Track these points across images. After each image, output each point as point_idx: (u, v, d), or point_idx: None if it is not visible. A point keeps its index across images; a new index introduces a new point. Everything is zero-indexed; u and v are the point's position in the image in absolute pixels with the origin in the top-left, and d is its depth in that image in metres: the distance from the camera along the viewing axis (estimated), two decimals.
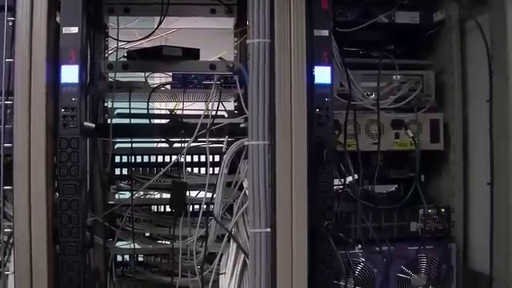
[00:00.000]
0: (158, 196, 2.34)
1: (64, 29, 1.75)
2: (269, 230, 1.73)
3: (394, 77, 2.23)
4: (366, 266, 2.06)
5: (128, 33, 2.29)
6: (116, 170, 2.34)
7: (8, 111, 1.79)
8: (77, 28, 1.75)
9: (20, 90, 1.70)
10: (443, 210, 2.21)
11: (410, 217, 2.16)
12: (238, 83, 2.03)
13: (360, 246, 2.03)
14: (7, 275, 1.84)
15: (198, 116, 2.03)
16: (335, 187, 1.93)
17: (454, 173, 2.24)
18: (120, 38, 2.13)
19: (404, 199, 2.14)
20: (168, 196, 2.07)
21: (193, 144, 2.01)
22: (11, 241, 1.76)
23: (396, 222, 2.14)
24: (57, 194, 1.77)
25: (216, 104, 2.02)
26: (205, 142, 1.97)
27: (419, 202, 2.16)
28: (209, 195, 1.91)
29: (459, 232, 2.21)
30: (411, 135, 2.17)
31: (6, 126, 1.77)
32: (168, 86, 2.24)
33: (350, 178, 2.01)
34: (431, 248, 2.14)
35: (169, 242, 2.16)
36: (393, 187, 2.42)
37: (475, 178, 2.19)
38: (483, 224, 2.04)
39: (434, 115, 2.25)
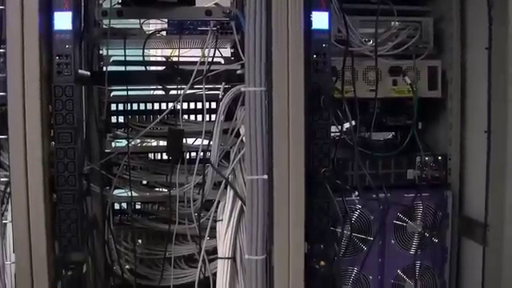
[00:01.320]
0: (154, 143, 2.33)
1: None
2: (266, 176, 1.73)
3: (392, 23, 2.20)
4: (362, 212, 2.07)
5: None
6: (112, 118, 2.33)
7: (1, 60, 1.76)
8: None
9: (12, 38, 1.66)
10: (440, 158, 2.21)
11: (406, 164, 2.17)
12: (234, 29, 1.99)
13: (357, 193, 2.04)
14: (5, 224, 1.86)
15: (195, 63, 2.00)
16: (332, 134, 1.93)
17: (452, 120, 2.23)
18: None
19: (401, 146, 2.15)
20: (165, 143, 2.07)
21: (189, 91, 1.98)
22: (8, 190, 1.76)
23: (393, 170, 2.15)
24: (53, 143, 1.77)
25: (212, 50, 1.99)
26: (201, 88, 1.95)
27: (416, 150, 2.16)
28: (205, 142, 1.90)
29: (455, 180, 2.22)
30: (409, 82, 2.16)
31: (0, 75, 1.75)
32: (163, 33, 2.20)
33: (347, 125, 2.00)
34: (427, 195, 2.15)
35: (166, 190, 2.17)
36: (390, 134, 2.42)
37: (472, 125, 2.18)
38: (479, 172, 2.05)
39: (432, 62, 2.24)
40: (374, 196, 2.07)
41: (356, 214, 2.08)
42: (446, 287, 2.22)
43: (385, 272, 2.13)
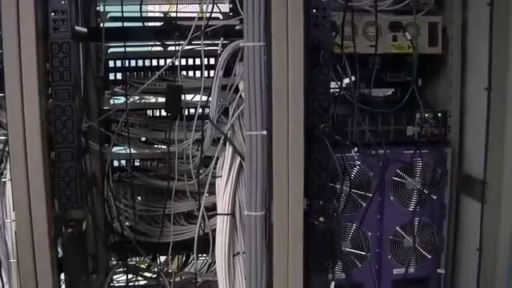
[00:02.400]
0: (153, 100, 2.33)
1: None
2: (265, 132, 1.73)
3: None
4: (361, 169, 2.07)
5: None
6: (110, 74, 2.32)
7: None
8: None
9: None
10: (440, 115, 2.19)
11: (406, 121, 2.15)
12: None
13: (356, 149, 2.03)
14: (4, 182, 1.86)
15: (193, 18, 1.97)
16: (332, 90, 1.91)
17: (452, 77, 2.22)
18: None
19: (401, 103, 2.13)
20: (163, 100, 2.05)
21: (187, 47, 1.96)
22: (7, 149, 1.76)
23: (392, 126, 2.14)
24: (50, 101, 1.75)
25: (210, 5, 1.96)
26: (199, 44, 1.93)
27: (416, 106, 2.15)
28: (204, 98, 1.89)
29: (455, 136, 2.21)
30: (409, 38, 2.13)
31: None
32: None
33: (346, 81, 1.98)
34: (427, 152, 2.14)
35: (165, 146, 2.17)
36: (390, 91, 2.41)
37: (473, 82, 2.16)
38: (479, 129, 2.04)
39: (432, 18, 2.20)
40: (374, 152, 2.06)
41: (355, 170, 2.07)
42: (444, 244, 2.23)
43: (383, 228, 2.14)
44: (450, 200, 2.22)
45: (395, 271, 2.18)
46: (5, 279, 1.94)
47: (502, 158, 1.95)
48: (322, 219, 1.87)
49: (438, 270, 2.22)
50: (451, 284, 2.27)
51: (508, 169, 1.94)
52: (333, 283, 2.02)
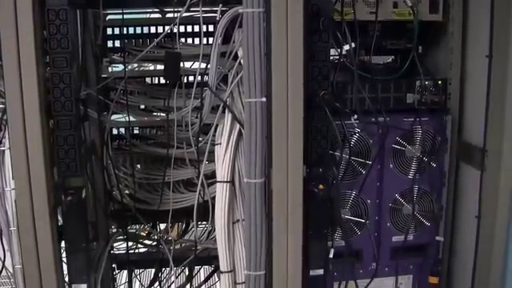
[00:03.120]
0: (151, 68, 2.31)
1: None
2: (264, 99, 1.72)
3: None
4: (361, 136, 2.07)
5: None
6: (108, 42, 2.29)
7: None
8: None
9: None
10: (440, 82, 2.18)
11: (406, 88, 2.14)
12: None
13: (356, 117, 2.03)
14: (3, 151, 1.86)
15: None
16: (332, 57, 1.90)
17: (453, 45, 2.20)
18: None
19: (401, 70, 2.12)
20: (162, 67, 2.04)
21: (186, 13, 1.94)
22: (5, 117, 1.75)
23: (392, 93, 2.12)
24: (48, 69, 1.74)
25: None
26: (198, 10, 1.90)
27: (416, 74, 2.14)
28: (203, 66, 1.88)
29: (455, 104, 2.21)
30: (410, 5, 2.11)
31: None
32: None
33: (346, 48, 1.96)
34: (427, 120, 2.14)
35: (164, 114, 2.16)
36: (390, 58, 2.39)
37: (474, 50, 2.15)
38: (479, 97, 2.03)
39: None
40: (373, 120, 2.06)
41: (355, 137, 2.07)
42: (443, 211, 2.23)
43: (383, 196, 2.15)
44: (450, 168, 2.22)
45: (394, 238, 2.19)
46: (6, 247, 1.95)
47: (502, 126, 1.94)
48: (321, 187, 1.87)
49: (437, 238, 2.23)
50: (450, 251, 2.28)
51: (508, 137, 1.94)
52: (332, 250, 2.04)
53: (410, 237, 2.20)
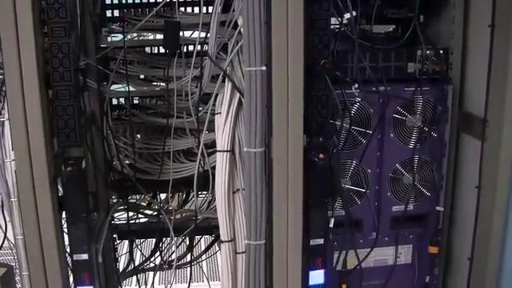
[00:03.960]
0: (151, 37, 2.29)
1: None
2: (264, 68, 1.72)
3: None
4: (362, 105, 2.06)
5: None
6: (107, 11, 2.28)
7: None
8: None
9: None
10: (441, 52, 2.16)
11: (407, 57, 2.12)
12: None
13: (356, 86, 2.01)
14: (3, 122, 1.85)
15: None
16: (332, 26, 1.88)
17: (455, 14, 2.17)
18: None
19: (402, 39, 2.10)
20: (161, 37, 2.02)
21: None
22: (4, 88, 1.74)
23: (393, 63, 2.10)
24: (47, 39, 1.73)
25: None
26: None
27: (417, 43, 2.11)
28: (203, 35, 1.86)
29: (456, 74, 2.19)
30: None
31: None
32: None
33: (347, 16, 1.95)
34: (428, 89, 2.12)
35: (163, 84, 2.15)
36: (391, 27, 2.37)
37: (476, 19, 2.12)
38: (481, 67, 2.01)
39: None
40: (374, 89, 2.04)
41: (355, 106, 2.05)
42: (443, 181, 2.23)
43: (383, 165, 2.14)
44: (450, 138, 2.21)
45: (394, 208, 2.20)
46: (7, 218, 1.96)
47: (503, 97, 1.93)
48: (321, 156, 1.87)
49: (437, 208, 2.23)
50: (450, 221, 2.29)
51: (509, 107, 1.92)
52: (332, 220, 2.04)
53: (410, 206, 2.20)
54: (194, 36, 2.05)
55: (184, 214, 2.36)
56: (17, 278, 2.45)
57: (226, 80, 1.87)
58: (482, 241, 2.07)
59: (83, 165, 1.89)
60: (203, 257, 2.60)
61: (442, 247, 2.30)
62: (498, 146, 1.96)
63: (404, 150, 2.15)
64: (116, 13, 2.29)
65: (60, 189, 1.88)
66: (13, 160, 1.82)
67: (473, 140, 2.12)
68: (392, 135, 2.12)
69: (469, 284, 2.14)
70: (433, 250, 2.26)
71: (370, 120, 2.08)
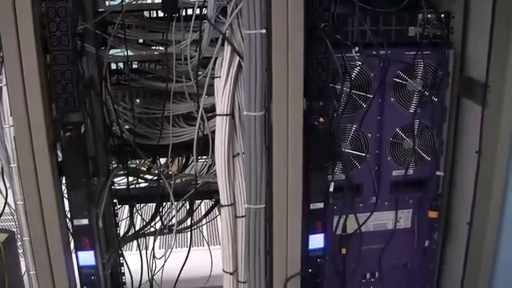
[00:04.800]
0: (149, 1, 2.27)
1: None
2: (264, 31, 1.70)
3: None
4: (362, 69, 2.04)
5: None
6: None
7: None
8: None
9: None
10: (443, 16, 2.13)
11: (408, 21, 2.09)
12: None
13: (357, 49, 2.00)
14: (1, 87, 1.85)
15: None
16: None
17: None
18: None
19: (403, 3, 2.07)
20: (160, 0, 2.00)
21: None
22: (1, 54, 1.73)
23: (394, 26, 2.08)
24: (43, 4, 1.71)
25: None
26: None
27: (418, 7, 2.09)
28: None
29: (458, 38, 2.17)
30: None
31: None
32: None
33: None
34: (428, 54, 2.10)
35: (162, 48, 2.14)
36: None
37: None
38: (482, 31, 1.99)
39: None
40: (375, 53, 2.03)
41: (356, 70, 2.04)
42: (443, 146, 2.23)
43: (383, 130, 2.13)
44: (451, 103, 2.20)
45: (394, 173, 2.20)
46: (7, 184, 1.96)
47: (505, 61, 1.91)
48: (321, 120, 1.87)
49: (437, 173, 2.23)
50: (449, 186, 2.29)
51: (510, 72, 1.91)
52: (332, 184, 2.04)
53: (410, 171, 2.20)
54: None
55: (184, 179, 2.36)
56: (18, 244, 2.48)
57: (226, 43, 1.85)
58: (481, 206, 2.07)
59: (82, 130, 1.88)
60: (203, 221, 2.62)
61: (442, 212, 2.31)
62: (499, 111, 1.95)
63: (404, 115, 2.14)
64: None
65: (60, 154, 1.88)
66: (11, 126, 1.82)
67: (473, 105, 2.11)
68: (392, 99, 2.11)
69: (467, 248, 2.15)
70: (432, 214, 2.27)
71: (371, 84, 2.06)
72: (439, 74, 2.14)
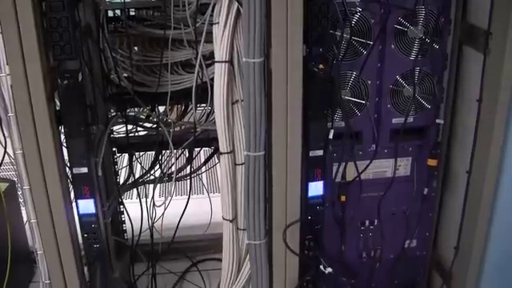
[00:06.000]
0: None
1: None
2: None
3: None
4: (362, 15, 2.01)
5: None
6: None
7: None
8: None
9: None
10: None
11: None
12: None
13: None
14: None
15: None
16: None
17: None
18: None
19: None
20: None
21: None
22: None
23: None
24: None
25: None
26: None
27: None
28: None
29: None
30: None
31: None
32: None
33: None
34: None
35: None
36: None
37: None
38: None
39: None
40: None
41: (356, 16, 2.01)
42: (444, 94, 2.21)
43: (384, 77, 2.11)
44: (452, 50, 2.17)
45: (394, 120, 2.18)
46: (6, 133, 1.95)
47: (508, 8, 1.87)
48: (321, 66, 1.85)
49: (437, 120, 2.22)
50: (449, 134, 2.29)
51: None
52: (332, 131, 2.04)
53: (410, 119, 2.19)
54: None
55: (183, 127, 2.36)
56: (19, 193, 2.49)
57: None
58: (481, 154, 2.07)
59: (80, 78, 1.86)
60: (203, 169, 2.63)
61: (441, 160, 2.31)
62: (501, 59, 1.92)
63: (405, 62, 2.11)
64: None
65: (58, 103, 1.87)
66: (8, 74, 1.80)
67: (475, 53, 2.08)
68: (393, 46, 2.08)
69: (466, 197, 2.16)
70: (432, 162, 2.27)
71: (371, 30, 2.03)
72: (441, 20, 2.10)
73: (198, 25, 1.95)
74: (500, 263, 2.22)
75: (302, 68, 1.80)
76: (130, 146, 2.30)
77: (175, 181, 2.36)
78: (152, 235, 2.40)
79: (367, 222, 2.36)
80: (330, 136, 2.04)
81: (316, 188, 2.03)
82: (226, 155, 1.95)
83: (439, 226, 2.46)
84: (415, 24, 2.08)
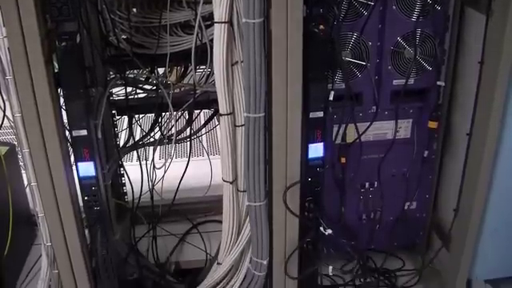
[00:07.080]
0: None
1: None
2: None
3: None
4: None
5: None
6: None
7: None
8: None
9: None
10: None
11: None
12: None
13: None
14: None
15: None
16: None
17: None
18: None
19: None
20: None
21: None
22: None
23: None
24: None
25: None
26: None
27: None
28: None
29: None
30: None
31: None
32: None
33: None
34: None
35: None
36: None
37: None
38: None
39: None
40: None
41: None
42: (445, 56, 2.20)
43: (385, 38, 2.09)
44: (454, 11, 2.15)
45: (395, 82, 2.18)
46: (4, 97, 1.95)
47: None
48: (322, 27, 1.83)
49: (438, 83, 2.22)
50: (450, 96, 2.28)
51: None
52: (332, 93, 2.03)
53: (411, 80, 2.18)
54: None
55: (183, 88, 2.34)
56: (19, 156, 2.49)
57: None
58: (481, 116, 2.06)
59: (78, 39, 1.85)
60: (203, 131, 2.63)
61: (442, 122, 2.31)
62: (504, 20, 1.89)
63: (406, 23, 2.09)
64: None
65: (56, 65, 1.86)
66: (5, 37, 1.78)
67: (477, 14, 2.06)
68: (394, 7, 2.06)
69: (466, 159, 2.15)
70: (432, 125, 2.28)
71: None
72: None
73: None
74: (497, 227, 2.23)
75: (302, 29, 1.78)
76: (130, 108, 2.29)
77: (175, 143, 2.36)
78: (152, 197, 2.41)
79: (367, 184, 2.37)
80: (331, 97, 2.03)
81: (316, 150, 2.02)
82: (225, 117, 1.94)
83: (439, 188, 2.46)
84: None
